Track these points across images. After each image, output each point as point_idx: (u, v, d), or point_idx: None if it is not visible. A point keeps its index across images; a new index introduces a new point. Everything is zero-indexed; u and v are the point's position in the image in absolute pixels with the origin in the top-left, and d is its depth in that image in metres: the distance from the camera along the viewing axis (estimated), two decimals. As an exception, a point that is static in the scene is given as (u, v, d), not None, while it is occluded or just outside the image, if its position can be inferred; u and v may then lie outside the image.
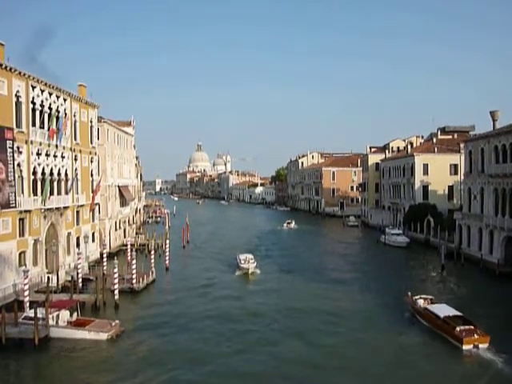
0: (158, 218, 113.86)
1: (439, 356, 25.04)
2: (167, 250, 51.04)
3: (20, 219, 37.11)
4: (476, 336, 25.72)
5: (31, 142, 39.02)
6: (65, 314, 29.15)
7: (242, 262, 47.00)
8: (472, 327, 26.64)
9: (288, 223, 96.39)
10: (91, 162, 52.17)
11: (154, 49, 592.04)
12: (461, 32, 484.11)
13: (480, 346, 25.22)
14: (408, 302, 33.12)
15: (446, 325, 27.49)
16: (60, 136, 43.11)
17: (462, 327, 26.54)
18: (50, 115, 41.87)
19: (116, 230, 62.93)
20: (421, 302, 31.69)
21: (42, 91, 40.94)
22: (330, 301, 36.33)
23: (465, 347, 25.25)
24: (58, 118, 42.65)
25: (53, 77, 43.85)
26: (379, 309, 34.20)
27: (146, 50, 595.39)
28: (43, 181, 40.89)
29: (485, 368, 23.23)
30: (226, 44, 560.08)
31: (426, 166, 72.63)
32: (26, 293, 31.30)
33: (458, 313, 28.74)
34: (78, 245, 47.01)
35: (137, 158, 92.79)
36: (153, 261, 44.67)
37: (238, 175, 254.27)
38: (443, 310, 29.02)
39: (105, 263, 43.62)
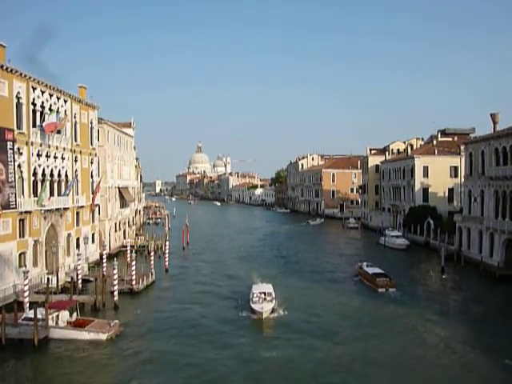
0: (158, 220, 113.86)
1: (365, 295, 39.35)
2: (167, 251, 50.98)
3: (20, 220, 37.13)
4: (387, 283, 40.12)
5: (31, 143, 39.05)
6: (64, 315, 29.16)
7: (256, 298, 33.54)
8: (387, 279, 40.73)
9: (313, 220, 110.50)
10: (91, 163, 52.19)
11: (154, 50, 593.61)
12: (461, 35, 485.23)
13: (390, 289, 39.61)
14: (356, 268, 47.44)
15: (372, 278, 41.48)
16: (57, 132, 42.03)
17: (381, 279, 40.61)
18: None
19: (116, 231, 62.92)
20: (364, 266, 45.15)
21: (43, 92, 40.97)
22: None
23: (379, 290, 39.60)
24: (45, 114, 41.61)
25: (53, 77, 43.84)
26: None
27: (146, 51, 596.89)
28: (43, 182, 40.91)
29: (390, 299, 37.61)
30: (226, 45, 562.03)
31: (426, 168, 72.62)
32: (26, 293, 31.35)
33: (381, 271, 42.75)
34: (77, 246, 47.04)
35: (137, 159, 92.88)
36: (152, 262, 44.68)
37: (237, 177, 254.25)
38: (373, 270, 43.20)
39: (104, 264, 43.53)
